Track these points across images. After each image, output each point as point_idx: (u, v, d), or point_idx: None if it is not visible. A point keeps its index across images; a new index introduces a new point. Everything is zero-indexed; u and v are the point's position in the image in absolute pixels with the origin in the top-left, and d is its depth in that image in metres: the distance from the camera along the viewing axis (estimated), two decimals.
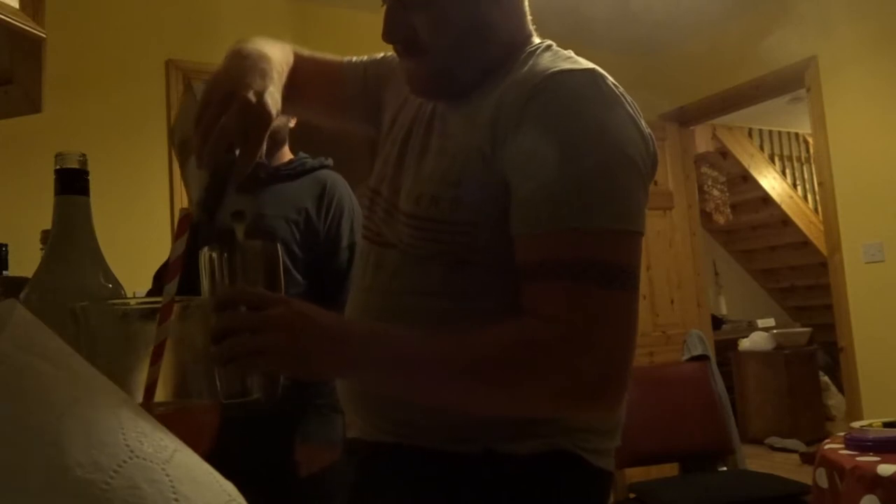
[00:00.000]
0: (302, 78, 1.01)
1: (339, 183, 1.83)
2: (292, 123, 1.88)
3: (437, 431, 0.87)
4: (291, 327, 0.74)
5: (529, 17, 0.95)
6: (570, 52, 0.89)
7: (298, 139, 1.92)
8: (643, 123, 0.83)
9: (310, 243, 1.75)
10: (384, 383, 0.82)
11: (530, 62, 0.87)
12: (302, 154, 1.89)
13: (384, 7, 0.90)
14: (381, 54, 1.09)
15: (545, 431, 0.86)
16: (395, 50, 0.93)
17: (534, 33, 0.95)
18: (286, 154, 1.90)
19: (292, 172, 1.84)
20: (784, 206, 6.56)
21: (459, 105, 0.91)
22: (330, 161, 1.89)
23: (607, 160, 0.77)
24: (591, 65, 0.83)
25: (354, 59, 1.11)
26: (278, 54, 0.96)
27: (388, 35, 0.89)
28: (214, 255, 0.77)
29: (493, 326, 0.77)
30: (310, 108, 1.14)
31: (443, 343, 0.79)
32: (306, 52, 1.07)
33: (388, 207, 0.93)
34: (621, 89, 0.83)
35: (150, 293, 1.76)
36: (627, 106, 0.82)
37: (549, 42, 0.93)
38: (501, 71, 0.89)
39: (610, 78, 0.83)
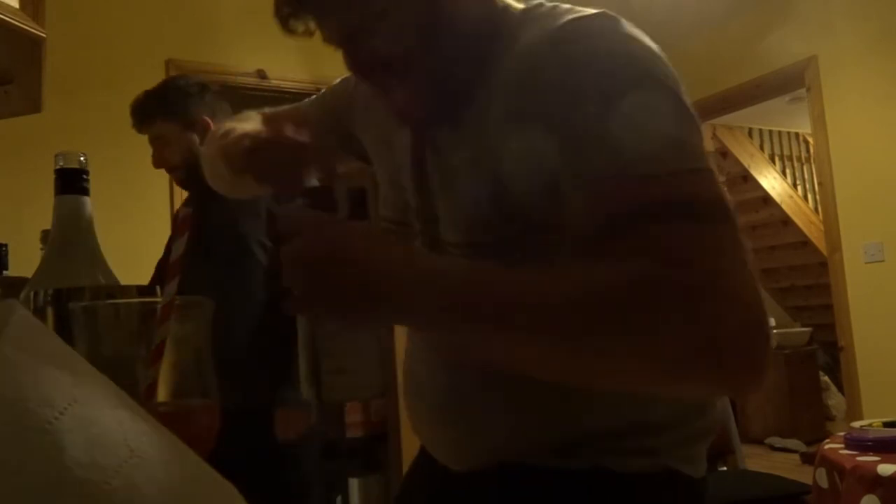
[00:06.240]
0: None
1: None
2: None
3: (541, 447, 0.81)
4: (316, 261, 0.60)
5: None
6: (566, 6, 0.77)
7: None
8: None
9: None
10: (451, 328, 0.64)
11: (525, 33, 0.75)
12: None
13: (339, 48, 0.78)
14: (333, 85, 1.05)
15: (654, 444, 0.81)
16: (373, 85, 0.82)
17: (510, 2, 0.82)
18: None
19: None
20: (784, 206, 6.56)
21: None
22: None
23: (654, 99, 0.67)
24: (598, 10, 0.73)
25: (312, 97, 1.08)
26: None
27: (360, 68, 0.79)
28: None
29: (593, 266, 0.61)
30: None
31: (533, 276, 0.62)
32: (268, 110, 1.03)
33: (428, 242, 0.85)
34: (638, 31, 0.74)
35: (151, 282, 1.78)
36: (648, 42, 0.73)
37: (523, 5, 0.80)
38: (494, 50, 0.78)
39: (623, 20, 0.73)
